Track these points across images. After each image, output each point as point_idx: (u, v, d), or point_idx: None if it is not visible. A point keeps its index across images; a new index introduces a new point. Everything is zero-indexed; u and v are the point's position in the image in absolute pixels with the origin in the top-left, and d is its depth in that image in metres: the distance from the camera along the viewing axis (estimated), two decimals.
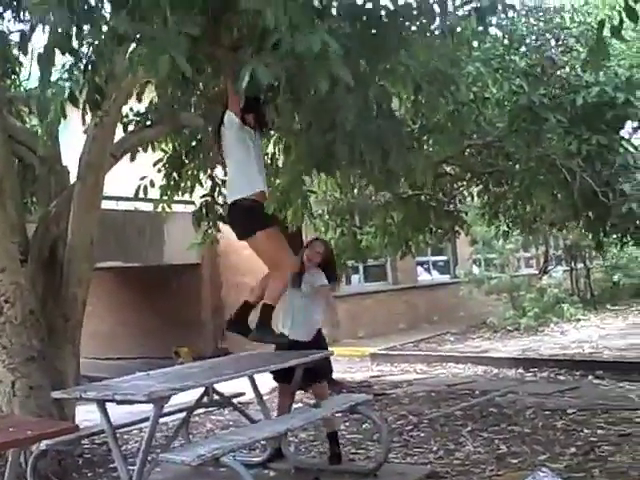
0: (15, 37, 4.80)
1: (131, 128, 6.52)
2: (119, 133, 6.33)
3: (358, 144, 4.32)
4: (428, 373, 9.73)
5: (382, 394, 8.06)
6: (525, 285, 14.44)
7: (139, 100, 6.19)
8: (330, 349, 5.52)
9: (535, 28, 7.67)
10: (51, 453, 4.81)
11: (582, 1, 8.79)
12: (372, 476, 4.85)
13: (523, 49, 7.51)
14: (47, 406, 5.17)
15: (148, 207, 10.35)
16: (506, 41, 7.39)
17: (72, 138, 6.36)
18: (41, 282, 5.77)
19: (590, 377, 8.32)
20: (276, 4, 3.18)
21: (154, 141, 6.88)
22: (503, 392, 7.67)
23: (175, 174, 7.35)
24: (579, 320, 14.03)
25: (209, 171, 7.40)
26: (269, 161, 6.94)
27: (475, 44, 6.60)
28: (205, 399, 5.39)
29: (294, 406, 5.59)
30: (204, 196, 7.69)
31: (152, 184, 7.27)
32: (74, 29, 3.55)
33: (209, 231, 8.10)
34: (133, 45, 3.56)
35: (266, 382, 6.39)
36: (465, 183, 9.23)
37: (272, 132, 5.60)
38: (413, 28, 4.37)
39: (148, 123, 6.44)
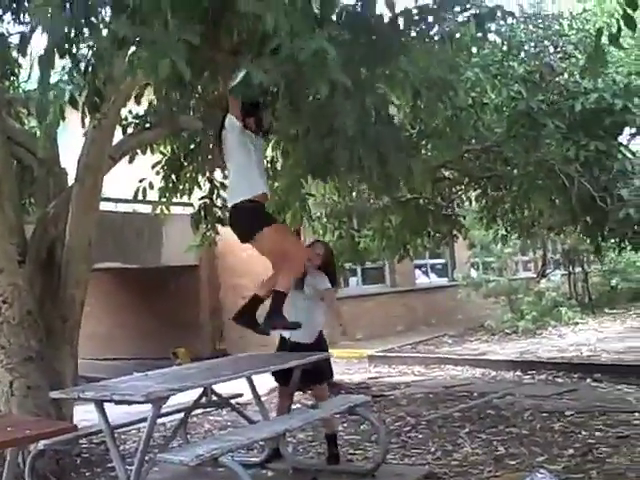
0: (14, 39, 4.84)
1: (130, 131, 6.53)
2: (118, 135, 6.33)
3: (357, 149, 4.34)
4: (426, 375, 9.74)
5: (380, 396, 8.06)
6: (523, 288, 14.48)
7: (138, 102, 6.21)
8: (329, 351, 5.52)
9: (534, 35, 7.70)
10: (49, 453, 4.81)
11: (580, 9, 8.84)
12: (370, 477, 4.85)
13: (522, 55, 7.54)
14: (45, 406, 5.18)
15: (146, 209, 10.36)
16: (505, 47, 7.42)
17: (71, 140, 6.37)
18: (39, 283, 5.77)
19: (588, 380, 8.33)
20: (276, 9, 3.19)
21: (153, 143, 6.90)
22: (501, 394, 7.68)
23: (174, 176, 7.37)
24: (577, 324, 14.07)
25: (207, 174, 7.41)
26: (268, 165, 6.96)
27: (474, 50, 6.64)
28: (203, 400, 5.39)
29: (293, 407, 5.59)
30: (202, 198, 7.71)
31: (151, 186, 7.28)
32: (73, 32, 3.56)
33: (207, 233, 8.11)
34: (133, 48, 3.57)
35: (264, 383, 6.40)
36: (463, 187, 9.27)
37: (271, 136, 5.60)
38: (413, 34, 4.39)
39: (147, 126, 6.44)
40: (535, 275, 17.65)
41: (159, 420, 4.52)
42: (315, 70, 3.27)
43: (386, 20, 4.10)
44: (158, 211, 7.90)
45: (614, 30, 3.84)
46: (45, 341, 5.52)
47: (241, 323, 4.66)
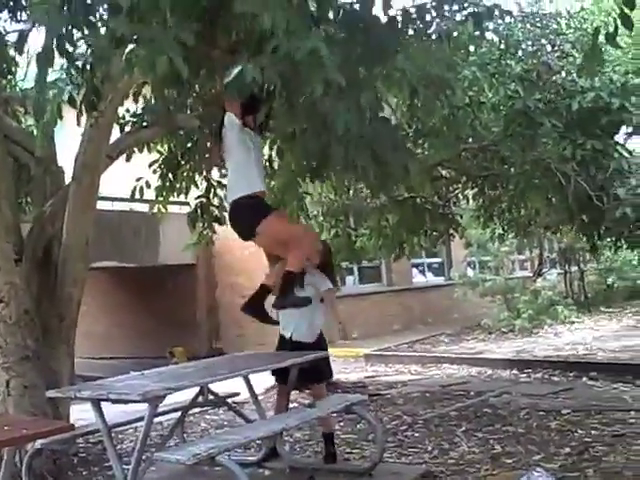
0: (11, 37, 4.83)
1: (127, 129, 6.52)
2: (115, 134, 6.33)
3: (351, 147, 4.34)
4: (423, 374, 9.74)
5: (377, 394, 8.06)
6: (519, 287, 14.50)
7: (136, 101, 6.20)
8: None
9: (531, 34, 7.71)
10: (46, 452, 4.80)
11: (578, 7, 8.85)
12: (367, 475, 4.85)
13: (519, 54, 7.55)
14: (41, 405, 5.16)
15: (144, 208, 10.35)
16: (502, 46, 7.43)
17: (67, 138, 6.36)
18: (36, 282, 5.75)
19: (584, 378, 8.34)
20: (273, 8, 3.19)
21: (150, 142, 6.89)
22: (497, 393, 7.69)
23: (170, 175, 7.37)
24: (573, 322, 14.10)
25: (204, 172, 7.41)
26: (267, 164, 6.96)
27: (471, 49, 6.65)
28: (200, 399, 5.38)
29: (290, 406, 5.59)
30: (199, 197, 7.70)
31: (148, 185, 7.28)
32: (72, 31, 3.56)
33: (204, 232, 8.11)
34: (130, 46, 3.57)
35: (261, 382, 6.40)
36: (460, 186, 9.27)
37: (267, 134, 5.61)
38: (410, 32, 4.39)
39: (144, 124, 6.43)
40: (531, 274, 17.69)
41: (156, 419, 4.51)
42: (311, 69, 3.27)
43: (383, 19, 4.11)
44: (155, 210, 7.91)
45: (611, 29, 3.85)
46: (41, 340, 5.50)
47: (249, 313, 4.65)
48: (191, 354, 12.26)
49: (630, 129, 8.22)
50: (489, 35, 7.10)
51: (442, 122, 6.78)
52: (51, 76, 4.55)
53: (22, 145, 6.13)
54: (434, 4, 4.44)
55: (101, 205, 7.89)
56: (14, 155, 6.11)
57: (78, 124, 5.46)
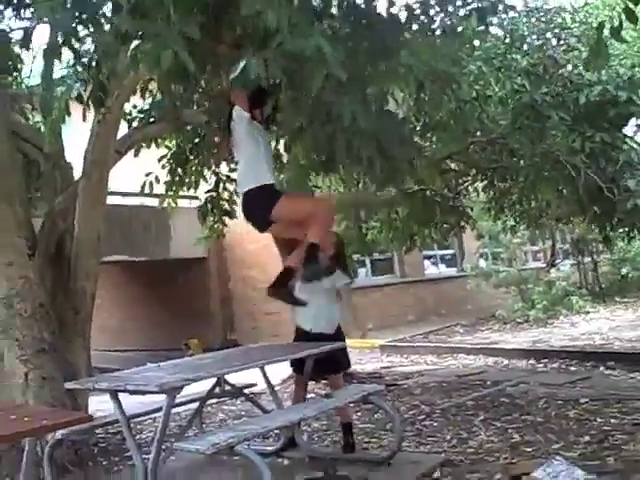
0: (16, 34, 4.82)
1: (135, 125, 6.54)
2: (123, 130, 6.33)
3: (355, 140, 4.32)
4: (438, 364, 9.72)
5: (393, 385, 8.04)
6: (533, 278, 14.44)
7: (143, 97, 6.21)
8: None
9: (536, 28, 7.66)
10: (67, 442, 4.81)
11: (582, 2, 8.79)
12: (386, 465, 4.83)
13: (525, 48, 7.50)
14: (60, 397, 5.18)
15: (153, 202, 10.37)
16: (508, 40, 7.39)
17: (75, 134, 6.38)
18: (50, 276, 5.79)
19: (601, 368, 8.30)
20: (277, 5, 3.17)
21: (157, 138, 6.91)
22: (514, 382, 7.64)
23: (179, 170, 7.39)
24: (588, 312, 14.04)
25: (213, 167, 7.43)
26: (275, 157, 6.94)
27: (477, 43, 6.61)
28: (217, 390, 5.38)
29: (307, 397, 5.58)
30: (209, 191, 7.72)
31: (157, 180, 7.30)
32: (77, 27, 3.55)
33: (215, 225, 8.12)
34: (135, 42, 3.56)
35: (277, 373, 6.39)
36: (470, 179, 9.24)
37: (274, 128, 5.60)
38: (414, 27, 4.37)
39: (151, 120, 6.45)
40: (545, 265, 17.61)
41: (173, 410, 4.51)
42: (313, 66, 3.25)
43: (386, 14, 4.09)
44: (165, 204, 7.92)
45: (616, 23, 3.81)
46: (57, 333, 5.53)
47: (275, 295, 4.62)
48: (205, 346, 12.30)
49: (639, 122, 8.18)
50: (494, 29, 7.08)
51: (449, 116, 6.76)
52: (58, 73, 4.54)
53: (31, 141, 6.17)
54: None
55: (111, 200, 7.88)
56: (23, 151, 6.15)
57: (84, 120, 5.48)
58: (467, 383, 7.87)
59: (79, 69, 4.47)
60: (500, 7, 4.61)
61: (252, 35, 3.46)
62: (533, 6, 8.05)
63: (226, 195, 7.74)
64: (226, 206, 7.79)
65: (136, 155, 6.64)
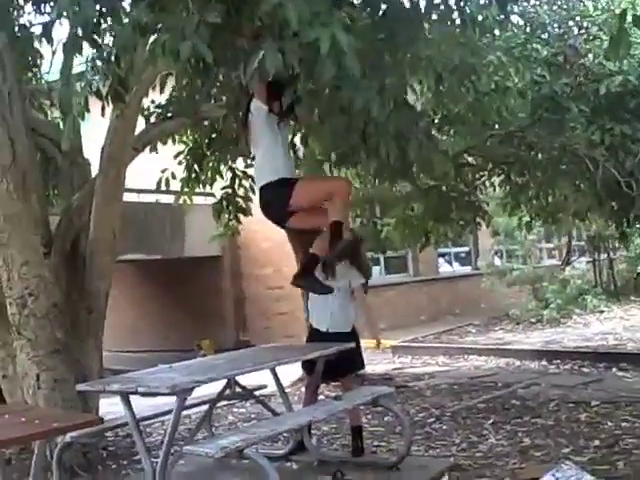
0: (35, 30, 4.86)
1: (152, 120, 6.50)
2: (140, 126, 6.33)
3: (372, 132, 4.30)
4: (450, 365, 9.70)
5: (404, 386, 8.04)
6: (548, 276, 14.35)
7: (162, 92, 6.19)
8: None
9: (557, 16, 7.57)
10: (76, 445, 4.84)
11: None
12: (394, 469, 4.84)
13: (545, 36, 7.42)
14: (71, 399, 5.20)
15: (169, 199, 10.39)
16: (528, 29, 7.31)
17: (93, 130, 6.39)
18: (64, 275, 5.75)
19: (614, 369, 8.26)
20: None
21: (175, 133, 6.89)
22: (526, 384, 7.63)
23: (196, 166, 7.39)
24: (602, 312, 13.94)
25: (229, 162, 7.42)
26: (292, 152, 6.94)
27: (496, 32, 6.54)
28: (227, 392, 5.39)
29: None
30: (224, 188, 7.72)
31: (173, 176, 7.31)
32: (97, 20, 3.58)
33: (230, 223, 8.12)
34: (154, 37, 3.57)
35: (288, 375, 6.40)
36: (487, 173, 9.17)
37: (291, 122, 5.59)
38: (434, 17, 4.33)
39: (169, 115, 6.40)
40: (560, 263, 17.50)
41: (183, 412, 4.54)
42: (326, 56, 3.24)
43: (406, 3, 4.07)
44: (181, 201, 7.93)
45: (639, 11, 3.77)
46: (70, 333, 5.53)
47: (302, 284, 4.61)
48: (218, 346, 12.31)
49: None
50: (514, 18, 7.00)
51: (468, 109, 6.70)
52: (77, 68, 4.55)
53: (49, 138, 6.14)
54: None
55: (127, 197, 7.91)
56: (41, 148, 6.14)
57: (102, 115, 5.47)
58: (478, 385, 7.86)
59: (98, 63, 4.48)
60: None
61: (271, 26, 3.45)
62: None
63: (242, 192, 7.73)
64: (241, 203, 7.79)
65: (152, 151, 6.65)
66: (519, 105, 7.28)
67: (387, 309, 13.71)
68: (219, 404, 5.97)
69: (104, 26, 3.75)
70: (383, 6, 4.03)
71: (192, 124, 6.68)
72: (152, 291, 15.25)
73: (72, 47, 3.65)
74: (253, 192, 7.43)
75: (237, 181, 7.67)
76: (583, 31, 7.53)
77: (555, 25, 7.55)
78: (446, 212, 8.92)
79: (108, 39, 4.07)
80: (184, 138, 7.36)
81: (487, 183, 9.39)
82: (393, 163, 4.50)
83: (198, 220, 11.76)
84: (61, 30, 3.86)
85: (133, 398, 4.18)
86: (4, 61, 5.22)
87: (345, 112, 4.27)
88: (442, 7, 4.26)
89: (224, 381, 5.20)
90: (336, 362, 5.11)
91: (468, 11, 4.44)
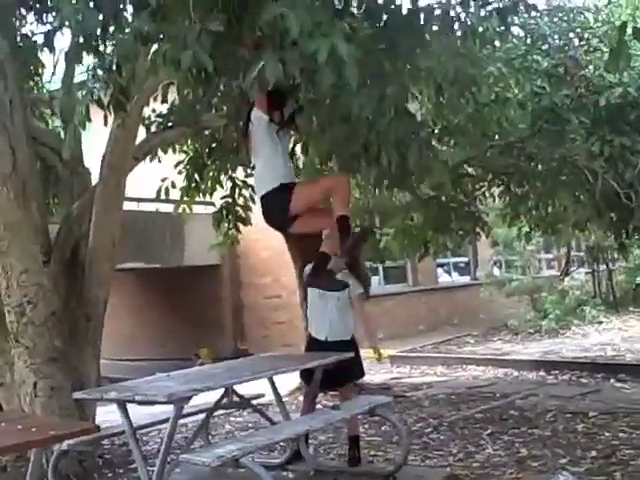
0: (37, 39, 4.88)
1: (153, 129, 6.53)
2: (141, 135, 6.35)
3: (374, 139, 4.33)
4: (448, 375, 9.68)
5: (401, 396, 8.03)
6: (547, 287, 14.35)
7: (163, 101, 6.21)
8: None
9: (558, 28, 7.60)
10: (72, 453, 4.84)
11: (605, 1, 8.71)
12: (391, 479, 4.84)
13: (545, 47, 7.45)
14: (68, 407, 5.20)
15: (169, 208, 10.41)
16: (529, 40, 7.35)
17: (94, 138, 6.41)
18: (63, 283, 5.76)
19: (612, 380, 8.25)
20: (300, 5, 3.19)
21: (175, 143, 6.92)
22: (524, 395, 7.62)
23: (196, 175, 7.41)
24: (601, 323, 13.93)
25: (230, 172, 7.44)
26: (292, 161, 6.97)
27: (497, 43, 6.57)
28: (225, 400, 5.40)
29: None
30: (224, 197, 7.74)
31: (173, 185, 7.33)
32: (100, 29, 3.60)
33: (229, 232, 8.15)
34: (155, 46, 3.59)
35: (286, 384, 6.40)
36: (486, 184, 9.19)
37: (292, 132, 5.61)
38: (434, 28, 4.36)
39: (169, 124, 6.43)
40: (559, 273, 17.50)
41: (181, 421, 4.54)
42: (325, 66, 3.26)
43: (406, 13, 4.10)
44: (180, 210, 7.95)
45: (639, 23, 3.79)
46: (68, 341, 5.53)
47: (316, 282, 4.63)
48: (216, 355, 12.31)
49: None
50: (515, 29, 7.02)
51: (468, 119, 6.73)
52: (78, 78, 4.57)
53: (49, 147, 6.17)
54: (459, 0, 4.41)
55: (127, 206, 7.94)
56: (41, 157, 6.16)
57: (105, 124, 5.50)
58: (476, 395, 7.85)
59: (99, 72, 4.51)
60: (521, 7, 4.59)
61: (272, 36, 3.48)
62: (556, 4, 7.98)
63: (241, 201, 7.76)
64: (241, 212, 7.82)
65: (152, 160, 6.67)
66: (519, 116, 7.31)
67: (386, 319, 13.70)
68: (216, 413, 5.97)
69: (106, 34, 3.77)
70: (384, 17, 4.08)
71: (193, 134, 6.70)
72: (151, 299, 15.25)
73: (74, 56, 3.68)
74: (253, 201, 7.46)
75: (237, 190, 7.70)
76: (583, 43, 7.56)
77: (555, 37, 7.58)
78: (445, 222, 8.93)
79: (109, 48, 4.10)
80: (185, 147, 7.39)
81: (487, 194, 9.42)
82: (394, 171, 4.52)
83: (198, 229, 11.77)
84: (63, 39, 3.89)
85: (130, 406, 4.19)
86: (6, 70, 5.25)
87: (347, 121, 4.30)
88: (443, 18, 4.31)
89: (222, 390, 5.21)
90: (334, 371, 5.12)
91: (469, 22, 4.48)
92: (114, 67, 4.08)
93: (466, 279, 17.72)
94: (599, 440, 5.58)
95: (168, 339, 14.46)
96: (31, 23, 5.34)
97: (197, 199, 7.73)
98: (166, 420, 4.35)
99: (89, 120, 4.92)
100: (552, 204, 8.47)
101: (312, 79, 3.57)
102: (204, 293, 14.30)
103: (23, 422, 3.84)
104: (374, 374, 10.00)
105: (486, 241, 12.45)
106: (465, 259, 17.94)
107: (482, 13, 4.58)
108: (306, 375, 5.35)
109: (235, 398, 5.43)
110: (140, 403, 4.11)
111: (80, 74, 4.54)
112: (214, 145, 7.06)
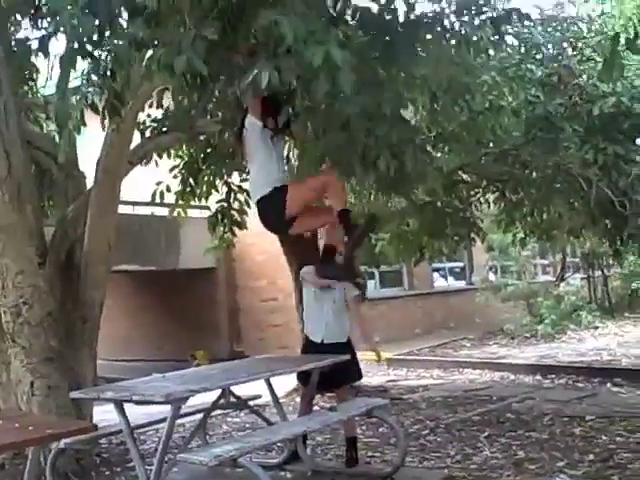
0: (32, 44, 4.88)
1: (148, 134, 6.55)
2: (136, 139, 6.36)
3: (371, 145, 4.34)
4: (445, 378, 9.69)
5: (398, 399, 8.03)
6: (542, 292, 14.38)
7: (159, 106, 6.24)
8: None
9: (552, 37, 7.64)
10: (70, 452, 4.84)
11: (599, 11, 8.76)
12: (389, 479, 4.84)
13: (539, 57, 7.48)
14: (65, 406, 5.20)
15: (164, 212, 10.41)
16: (522, 49, 7.38)
17: (88, 142, 6.43)
18: (59, 285, 5.77)
19: (608, 384, 8.26)
20: (294, 12, 3.20)
21: (170, 148, 6.93)
22: (520, 398, 7.62)
23: (191, 180, 7.42)
24: (597, 328, 13.96)
25: (225, 177, 7.46)
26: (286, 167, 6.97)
27: (491, 52, 6.61)
28: (222, 401, 5.40)
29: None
30: (220, 201, 7.75)
31: (168, 189, 7.34)
32: (96, 35, 3.60)
33: (225, 235, 8.15)
34: (150, 52, 3.59)
35: (283, 385, 6.39)
36: (481, 190, 9.23)
37: (287, 138, 5.63)
38: (429, 37, 4.39)
39: (164, 130, 6.45)
40: (554, 279, 17.54)
41: (178, 421, 4.54)
42: (319, 73, 3.28)
43: (401, 22, 4.12)
44: (175, 214, 7.96)
45: (632, 33, 3.82)
46: (64, 341, 5.55)
47: (328, 274, 4.67)
48: (212, 357, 12.29)
49: None
50: (509, 39, 7.05)
51: (462, 127, 6.76)
52: (72, 83, 4.58)
53: (44, 150, 6.20)
54: (453, 9, 4.44)
55: (122, 209, 7.95)
56: (36, 160, 6.18)
57: (103, 129, 5.52)
58: (473, 398, 7.85)
59: (94, 77, 4.51)
60: (515, 16, 4.62)
61: (266, 43, 3.49)
62: (549, 14, 8.02)
63: (237, 205, 7.77)
64: (236, 216, 7.83)
65: (147, 164, 6.68)
66: (513, 124, 7.35)
67: (382, 322, 13.70)
68: (213, 413, 5.97)
69: (101, 40, 3.77)
70: (379, 25, 4.09)
71: (188, 139, 6.72)
72: (147, 302, 15.24)
73: (69, 61, 3.68)
74: (248, 206, 7.47)
75: (232, 195, 7.71)
76: (577, 52, 7.60)
77: (549, 46, 7.61)
78: (441, 228, 8.96)
79: (104, 53, 4.11)
80: (180, 152, 7.39)
81: (482, 200, 9.45)
82: (393, 175, 4.53)
83: (193, 233, 11.78)
84: (57, 45, 3.89)
85: (127, 406, 4.18)
86: (0, 75, 5.26)
87: (345, 128, 4.31)
88: (437, 27, 4.33)
89: (219, 391, 5.21)
90: (331, 373, 5.12)
91: (463, 32, 4.51)
92: (109, 72, 4.10)
93: (462, 284, 17.74)
94: (596, 444, 5.58)
95: (164, 341, 14.43)
96: (26, 28, 5.36)
97: (192, 203, 7.74)
98: (163, 420, 4.35)
99: (84, 124, 4.95)
100: (547, 211, 8.51)
101: (307, 86, 3.58)
102: (200, 296, 14.29)
103: (20, 420, 3.82)
104: (371, 376, 10.00)
105: (481, 246, 12.49)
106: (461, 264, 17.96)
107: (476, 22, 4.62)
108: (303, 377, 5.35)
109: (232, 399, 5.43)
110: (137, 403, 4.09)
111: (74, 79, 4.54)
112: (209, 150, 7.08)
